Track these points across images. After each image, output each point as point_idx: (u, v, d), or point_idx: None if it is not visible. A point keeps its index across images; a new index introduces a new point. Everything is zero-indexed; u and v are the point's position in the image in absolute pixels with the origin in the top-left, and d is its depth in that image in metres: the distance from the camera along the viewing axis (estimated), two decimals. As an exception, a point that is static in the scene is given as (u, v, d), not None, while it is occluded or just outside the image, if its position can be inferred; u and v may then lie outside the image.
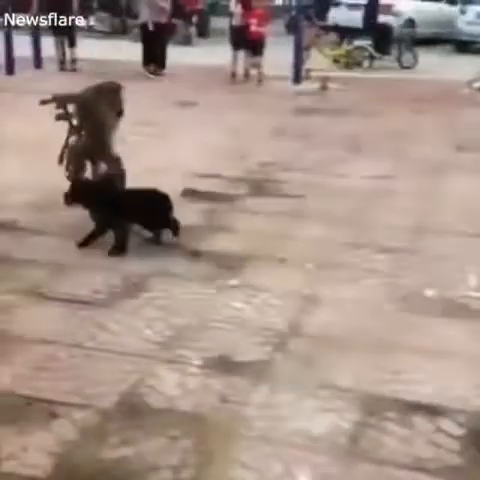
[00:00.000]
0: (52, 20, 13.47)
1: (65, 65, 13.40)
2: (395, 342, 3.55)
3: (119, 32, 21.59)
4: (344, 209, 5.63)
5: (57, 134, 7.60)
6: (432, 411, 2.99)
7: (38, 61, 13.09)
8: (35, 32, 13.25)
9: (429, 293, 4.12)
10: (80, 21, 19.89)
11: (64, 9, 13.33)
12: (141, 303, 3.93)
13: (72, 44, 13.49)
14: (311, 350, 3.47)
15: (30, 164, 6.64)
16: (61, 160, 5.59)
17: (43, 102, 5.77)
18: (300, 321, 3.76)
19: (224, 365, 3.31)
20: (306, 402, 3.04)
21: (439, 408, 3.01)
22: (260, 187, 6.19)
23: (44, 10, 14.52)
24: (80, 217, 5.19)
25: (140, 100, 10.20)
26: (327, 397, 3.08)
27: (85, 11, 21.41)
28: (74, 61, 13.50)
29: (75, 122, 5.62)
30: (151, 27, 12.93)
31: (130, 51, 13.78)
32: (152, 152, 7.35)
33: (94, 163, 5.58)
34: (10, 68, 12.16)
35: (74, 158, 5.56)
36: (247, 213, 5.51)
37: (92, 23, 22.20)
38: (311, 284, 4.22)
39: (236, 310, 3.85)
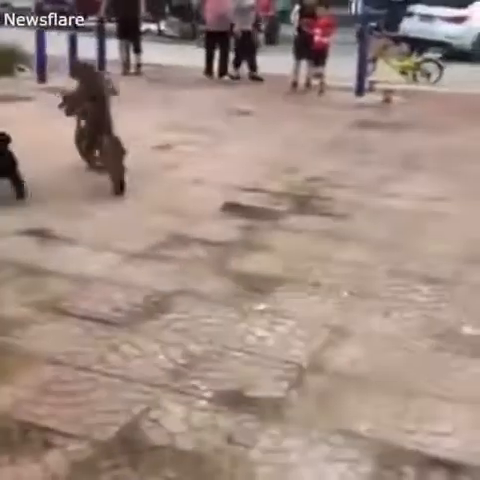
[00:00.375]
0: (118, 23, 13.53)
1: (129, 69, 13.42)
2: (423, 385, 3.28)
3: (189, 37, 21.61)
4: (390, 232, 5.35)
5: None
6: (454, 468, 2.71)
7: (102, 64, 13.13)
8: (100, 35, 13.30)
9: (468, 331, 3.82)
10: (150, 26, 20.17)
11: (131, 13, 13.34)
12: (160, 325, 3.75)
13: (137, 50, 13.50)
14: (330, 389, 3.23)
15: (74, 168, 6.58)
16: (78, 142, 6.36)
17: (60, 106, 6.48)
18: (323, 355, 3.52)
19: (235, 400, 3.10)
20: (316, 449, 2.81)
21: (462, 466, 2.73)
22: (304, 204, 5.95)
23: (111, 13, 14.66)
24: (113, 226, 5.10)
25: (196, 107, 10.14)
26: (340, 444, 2.83)
27: (156, 16, 21.62)
28: (139, 66, 13.52)
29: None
30: (238, 35, 12.93)
31: (196, 57, 13.71)
32: (199, 161, 7.21)
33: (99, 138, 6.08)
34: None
35: (87, 136, 6.26)
36: (287, 231, 5.28)
37: (162, 28, 22.41)
38: (342, 314, 3.97)
39: (258, 339, 3.64)
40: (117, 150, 5.84)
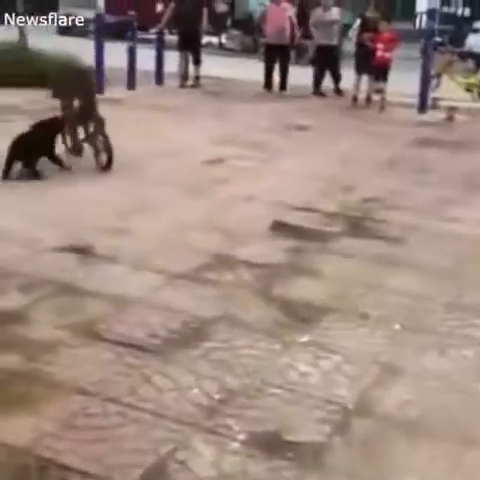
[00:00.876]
0: (179, 36, 13.46)
1: (186, 81, 13.32)
2: (480, 435, 2.98)
3: (250, 51, 21.48)
4: (449, 260, 5.02)
5: (160, 153, 7.44)
6: None
7: (160, 76, 13.07)
8: (159, 47, 13.24)
9: None
10: (211, 38, 20.13)
11: (192, 26, 13.25)
12: (196, 354, 3.53)
13: (197, 61, 13.39)
14: (377, 435, 2.95)
15: (128, 184, 6.44)
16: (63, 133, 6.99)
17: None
18: (371, 396, 3.24)
19: (271, 443, 2.86)
20: (358, 506, 2.55)
21: None
22: (357, 226, 5.67)
23: (172, 26, 14.62)
24: (156, 244, 4.93)
25: (252, 121, 9.95)
26: (385, 502, 2.56)
27: (218, 29, 21.58)
28: (197, 78, 13.40)
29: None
30: (311, 51, 12.70)
31: (256, 70, 13.53)
32: (251, 177, 7.00)
33: (85, 125, 6.96)
34: (131, 83, 12.18)
35: (70, 126, 6.98)
36: (337, 255, 5.01)
37: (223, 40, 22.37)
38: (393, 349, 3.69)
39: (300, 375, 3.38)
40: (104, 131, 6.80)
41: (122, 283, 4.35)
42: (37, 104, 9.97)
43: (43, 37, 14.67)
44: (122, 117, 9.38)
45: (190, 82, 13.34)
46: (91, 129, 6.95)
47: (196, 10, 13.18)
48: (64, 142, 7.07)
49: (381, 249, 5.16)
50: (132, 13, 12.35)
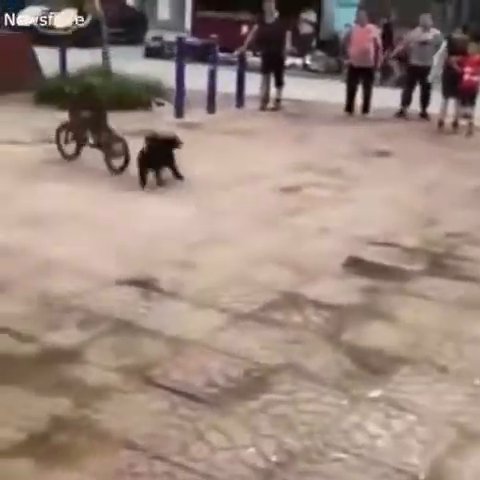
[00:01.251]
0: (263, 58, 13.32)
1: (267, 104, 13.13)
2: None
3: (333, 72, 21.19)
4: None
5: (235, 179, 7.24)
6: None
7: (240, 99, 12.92)
8: (241, 69, 13.10)
9: None
10: (295, 60, 19.94)
11: (276, 48, 13.08)
12: (255, 407, 3.27)
13: (279, 83, 13.19)
14: (451, 516, 2.62)
15: (198, 212, 6.26)
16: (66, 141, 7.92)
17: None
18: (447, 465, 2.90)
19: (331, 520, 2.57)
20: None
21: None
22: (439, 264, 5.29)
23: (255, 48, 14.48)
24: (222, 279, 4.70)
25: (331, 146, 9.65)
26: None
27: (302, 50, 21.39)
28: (278, 101, 13.20)
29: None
30: (398, 72, 12.28)
31: (339, 92, 13.22)
32: (327, 207, 6.70)
33: (96, 133, 7.69)
34: (211, 106, 12.07)
35: (78, 132, 7.83)
36: (416, 297, 4.65)
37: (307, 62, 22.15)
38: (474, 409, 3.33)
39: (368, 436, 3.07)
40: (119, 139, 7.49)
41: (182, 322, 4.13)
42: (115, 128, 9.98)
43: (130, 61, 14.84)
44: (199, 142, 9.27)
45: (271, 105, 13.15)
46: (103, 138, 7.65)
47: (280, 32, 12.99)
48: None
49: (465, 291, 4.77)
50: (214, 36, 12.25)
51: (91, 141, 7.78)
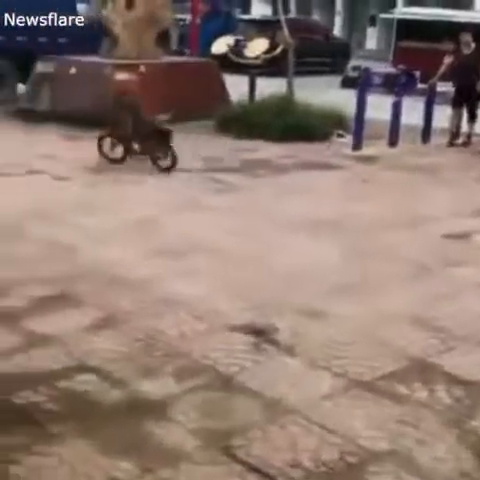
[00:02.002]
0: (456, 91, 12.52)
1: (456, 139, 12.26)
2: None
3: None
4: None
5: (396, 222, 6.59)
6: None
7: (427, 133, 12.16)
8: (430, 101, 12.36)
9: None
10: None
11: (471, 79, 12.24)
12: (338, 505, 2.74)
13: (472, 117, 12.31)
14: None
15: (345, 255, 5.76)
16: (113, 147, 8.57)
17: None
18: None
19: None
20: None
21: None
22: None
23: (449, 78, 13.66)
24: (348, 335, 4.17)
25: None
26: None
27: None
28: (469, 136, 12.29)
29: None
30: None
31: None
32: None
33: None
34: (393, 139, 11.44)
35: (123, 141, 8.55)
36: None
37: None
38: None
39: None
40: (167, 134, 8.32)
41: (289, 384, 3.66)
42: (289, 158, 9.73)
43: (323, 90, 14.60)
44: (369, 177, 8.75)
45: (461, 140, 12.27)
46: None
47: (476, 64, 12.16)
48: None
49: None
50: (401, 67, 11.68)
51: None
